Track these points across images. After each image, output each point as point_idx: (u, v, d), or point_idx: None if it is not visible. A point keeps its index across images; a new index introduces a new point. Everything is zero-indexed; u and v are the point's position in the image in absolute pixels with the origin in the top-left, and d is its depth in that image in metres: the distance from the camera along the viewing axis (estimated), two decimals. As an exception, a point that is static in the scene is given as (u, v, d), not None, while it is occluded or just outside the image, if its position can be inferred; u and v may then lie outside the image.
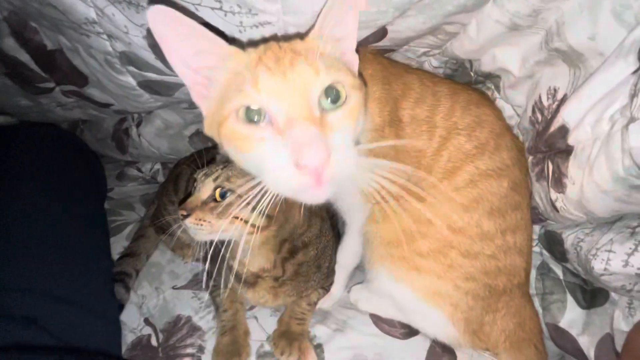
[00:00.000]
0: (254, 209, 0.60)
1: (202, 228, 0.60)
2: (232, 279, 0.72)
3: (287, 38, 0.53)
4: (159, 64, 0.66)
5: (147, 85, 0.76)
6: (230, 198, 0.60)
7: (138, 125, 1.09)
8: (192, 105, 1.00)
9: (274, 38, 0.54)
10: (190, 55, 0.47)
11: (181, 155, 1.10)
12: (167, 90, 0.77)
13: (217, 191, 0.61)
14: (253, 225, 0.61)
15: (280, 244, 0.67)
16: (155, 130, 1.08)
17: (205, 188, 0.62)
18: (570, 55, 0.58)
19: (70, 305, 0.66)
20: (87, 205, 0.91)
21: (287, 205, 0.63)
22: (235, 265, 0.70)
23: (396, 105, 0.62)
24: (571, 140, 0.56)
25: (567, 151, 0.58)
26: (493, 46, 0.67)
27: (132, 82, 0.75)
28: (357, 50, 0.53)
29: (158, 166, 1.29)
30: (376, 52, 0.68)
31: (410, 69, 0.73)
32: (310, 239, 0.71)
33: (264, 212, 0.46)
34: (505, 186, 0.62)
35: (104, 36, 0.64)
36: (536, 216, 0.71)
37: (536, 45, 0.63)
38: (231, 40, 0.49)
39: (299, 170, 0.40)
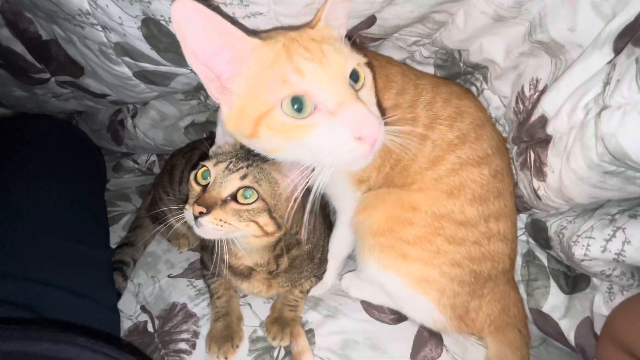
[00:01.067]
0: (271, 215, 0.60)
1: (221, 229, 0.55)
2: (226, 270, 0.73)
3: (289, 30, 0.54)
4: (154, 55, 0.67)
5: (143, 76, 0.76)
6: (258, 204, 0.57)
7: (133, 116, 1.09)
8: (187, 97, 1.01)
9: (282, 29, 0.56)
10: (212, 49, 0.47)
11: (176, 146, 1.10)
12: (162, 80, 0.77)
13: (241, 192, 0.57)
14: (264, 231, 0.60)
15: (275, 243, 0.67)
16: (151, 122, 1.08)
17: (228, 184, 0.57)
18: (552, 47, 0.59)
19: (71, 293, 0.67)
20: (89, 194, 0.91)
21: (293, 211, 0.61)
22: (229, 259, 0.70)
23: (378, 96, 0.63)
24: (550, 129, 0.58)
25: (546, 140, 0.59)
26: (480, 37, 0.68)
27: (127, 72, 0.75)
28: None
29: (154, 158, 1.29)
30: (358, 43, 0.70)
31: (393, 61, 0.74)
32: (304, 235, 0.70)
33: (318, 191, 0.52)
34: (486, 174, 0.63)
35: (98, 27, 0.65)
36: (522, 205, 0.73)
37: (520, 37, 0.64)
38: (251, 33, 0.49)
39: (360, 142, 0.46)
